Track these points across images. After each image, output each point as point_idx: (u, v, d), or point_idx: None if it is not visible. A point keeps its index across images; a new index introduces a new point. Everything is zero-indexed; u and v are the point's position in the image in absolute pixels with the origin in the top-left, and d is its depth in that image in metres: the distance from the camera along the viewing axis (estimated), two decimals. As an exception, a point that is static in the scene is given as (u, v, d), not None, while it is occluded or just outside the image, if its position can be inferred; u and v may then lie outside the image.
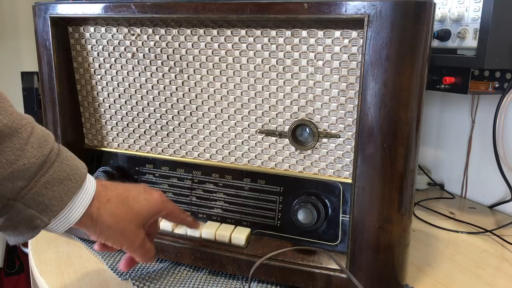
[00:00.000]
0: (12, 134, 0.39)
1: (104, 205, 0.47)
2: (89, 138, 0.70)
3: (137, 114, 0.65)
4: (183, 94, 0.61)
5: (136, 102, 0.64)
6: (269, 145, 0.59)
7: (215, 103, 0.60)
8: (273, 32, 0.54)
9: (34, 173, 0.40)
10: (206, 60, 0.58)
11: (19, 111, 0.41)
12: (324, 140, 0.56)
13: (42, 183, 0.41)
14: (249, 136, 0.59)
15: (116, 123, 0.67)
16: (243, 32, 0.55)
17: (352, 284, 0.53)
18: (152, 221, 0.54)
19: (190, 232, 0.62)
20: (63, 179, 0.43)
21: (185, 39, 0.59)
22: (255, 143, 0.59)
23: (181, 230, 0.62)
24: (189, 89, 0.61)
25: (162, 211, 0.54)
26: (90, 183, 0.46)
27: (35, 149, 0.41)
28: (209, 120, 0.61)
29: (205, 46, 0.58)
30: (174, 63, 0.60)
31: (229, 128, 0.60)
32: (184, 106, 0.62)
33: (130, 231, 0.49)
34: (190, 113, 0.62)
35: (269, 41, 0.55)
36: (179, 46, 0.59)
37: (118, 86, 0.65)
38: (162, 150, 0.65)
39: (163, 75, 0.61)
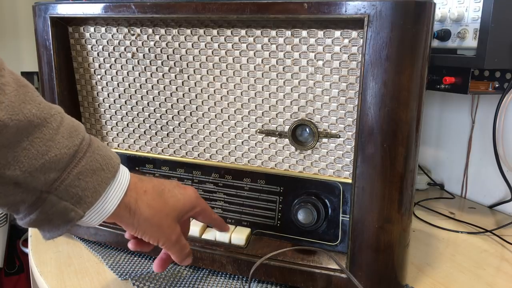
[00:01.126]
0: (42, 125, 0.38)
1: (141, 196, 0.46)
2: (89, 138, 0.70)
3: (137, 114, 0.65)
4: (183, 94, 0.61)
5: (136, 102, 0.64)
6: (269, 145, 0.59)
7: (215, 103, 0.60)
8: (273, 32, 0.54)
9: (66, 164, 0.39)
10: (206, 60, 0.58)
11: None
12: (324, 140, 0.56)
13: (74, 174, 0.40)
14: (249, 136, 0.59)
15: (116, 123, 0.67)
16: (243, 32, 0.55)
17: (352, 284, 0.53)
18: (185, 218, 0.53)
19: (190, 232, 0.62)
20: (96, 170, 0.41)
21: (185, 39, 0.59)
22: (255, 143, 0.59)
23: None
24: (189, 89, 0.61)
25: (196, 207, 0.53)
26: (124, 174, 0.45)
27: (66, 139, 0.39)
28: (209, 120, 0.61)
29: (205, 46, 0.58)
30: (174, 63, 0.60)
31: (229, 128, 0.60)
32: (184, 106, 0.62)
33: (167, 225, 0.48)
34: (190, 113, 0.62)
35: (269, 41, 0.55)
36: (179, 46, 0.59)
37: (118, 86, 0.65)
38: (162, 150, 0.65)
39: (163, 75, 0.61)
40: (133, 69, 0.63)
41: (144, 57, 0.62)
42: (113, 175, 0.43)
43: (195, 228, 0.62)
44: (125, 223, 0.46)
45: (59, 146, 0.39)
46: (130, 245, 0.53)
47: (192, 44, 0.58)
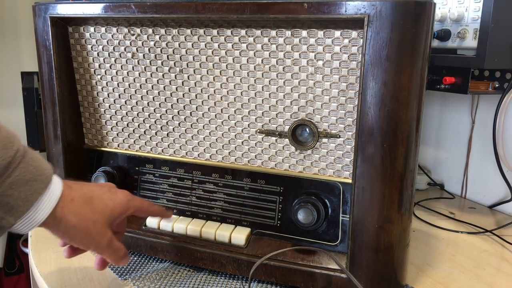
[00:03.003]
0: None
1: (68, 204, 0.46)
2: (89, 138, 0.70)
3: (137, 114, 0.65)
4: (183, 94, 0.61)
5: (136, 102, 0.64)
6: (269, 145, 0.59)
7: (215, 103, 0.60)
8: (273, 32, 0.54)
9: None
10: (206, 60, 0.58)
11: None
12: (324, 140, 0.56)
13: (7, 184, 0.41)
14: (249, 136, 0.59)
15: (116, 123, 0.67)
16: (243, 32, 0.55)
17: (352, 284, 0.53)
18: (118, 222, 0.53)
19: (190, 232, 0.62)
20: (29, 180, 0.42)
21: (185, 39, 0.59)
22: (255, 143, 0.59)
23: (181, 230, 0.63)
24: (189, 89, 0.61)
25: (128, 210, 0.53)
26: (56, 184, 0.46)
27: (0, 151, 0.40)
28: (209, 120, 0.61)
29: (205, 46, 0.58)
30: (174, 63, 0.60)
31: (229, 128, 0.60)
32: (184, 106, 0.62)
33: (95, 231, 0.49)
34: (190, 113, 0.62)
35: (269, 41, 0.55)
36: (179, 46, 0.59)
37: (118, 86, 0.65)
38: (162, 150, 0.65)
39: (163, 75, 0.61)
40: (133, 69, 0.63)
41: (144, 57, 0.62)
42: (45, 186, 0.44)
43: (195, 228, 0.62)
44: (52, 230, 0.47)
45: None
46: (65, 253, 0.54)
47: (192, 44, 0.58)
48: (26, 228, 0.44)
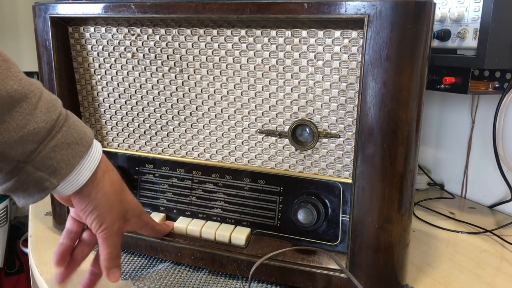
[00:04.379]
0: (22, 99, 0.40)
1: (109, 171, 0.48)
2: (89, 138, 0.70)
3: (137, 114, 0.65)
4: (183, 94, 0.61)
5: (136, 102, 0.64)
6: (269, 145, 0.59)
7: (215, 103, 0.60)
8: (273, 32, 0.54)
9: (43, 137, 0.41)
10: (206, 60, 0.58)
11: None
12: (324, 140, 0.56)
13: (51, 146, 0.42)
14: (249, 136, 0.59)
15: (116, 123, 0.67)
16: (243, 32, 0.55)
17: (352, 284, 0.53)
18: (129, 223, 0.53)
19: (190, 232, 0.62)
20: (71, 143, 0.43)
21: (185, 39, 0.59)
22: (255, 143, 0.59)
23: (181, 230, 0.63)
24: (189, 89, 0.61)
25: (140, 218, 0.54)
26: (97, 149, 0.47)
27: (44, 114, 0.41)
28: (209, 120, 0.61)
29: (205, 46, 0.58)
30: (174, 63, 0.60)
31: (229, 128, 0.60)
32: (184, 106, 0.62)
33: (117, 210, 0.49)
34: (190, 113, 0.62)
35: (269, 41, 0.55)
36: (179, 46, 0.59)
37: (118, 86, 0.65)
38: (162, 150, 0.65)
39: (163, 75, 0.61)
40: (133, 69, 0.63)
41: (144, 57, 0.62)
42: (86, 149, 0.45)
43: (195, 228, 0.62)
44: (84, 195, 0.47)
45: (37, 120, 0.41)
46: (57, 278, 0.52)
47: (192, 44, 0.58)
48: (68, 190, 0.45)
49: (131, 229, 0.55)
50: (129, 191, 0.52)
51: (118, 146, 0.68)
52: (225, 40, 0.56)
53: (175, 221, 0.64)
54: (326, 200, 0.57)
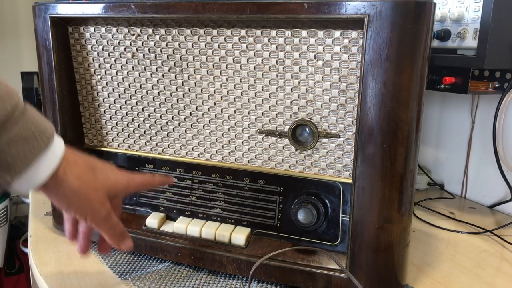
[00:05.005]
0: None
1: (71, 166, 0.45)
2: (89, 138, 0.70)
3: (137, 114, 0.65)
4: (183, 94, 0.61)
5: (136, 102, 0.64)
6: (269, 145, 0.59)
7: (215, 103, 0.60)
8: (273, 32, 0.54)
9: None
10: (206, 60, 0.58)
11: None
12: (324, 140, 0.56)
13: (5, 140, 0.39)
14: (249, 136, 0.59)
15: (116, 123, 0.67)
16: (243, 32, 0.55)
17: (352, 284, 0.53)
18: (117, 199, 0.51)
19: (190, 232, 0.62)
20: (28, 138, 0.41)
21: (185, 39, 0.59)
22: (255, 143, 0.59)
23: (181, 230, 0.63)
24: (189, 89, 0.61)
25: (129, 187, 0.52)
26: (59, 145, 0.44)
27: None
28: (209, 120, 0.61)
29: (205, 46, 0.58)
30: (174, 63, 0.60)
31: (229, 128, 0.60)
32: (184, 106, 0.62)
33: (96, 199, 0.46)
34: (190, 113, 0.62)
35: (269, 41, 0.55)
36: (179, 46, 0.59)
37: (118, 86, 0.65)
38: (162, 150, 0.65)
39: (163, 75, 0.61)
40: (133, 69, 0.63)
41: (144, 57, 0.62)
42: (46, 145, 0.42)
43: (195, 228, 0.62)
44: (51, 194, 0.45)
45: None
46: (79, 249, 0.53)
47: (192, 44, 0.58)
48: (25, 188, 0.42)
49: (125, 198, 0.53)
50: (104, 168, 0.49)
51: (118, 146, 0.68)
52: (225, 40, 0.56)
53: (175, 221, 0.64)
54: (326, 200, 0.57)
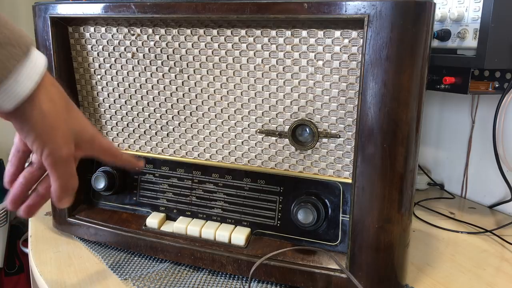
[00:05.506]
0: None
1: (47, 86, 0.41)
2: (89, 138, 0.70)
3: (137, 114, 0.65)
4: (183, 94, 0.61)
5: (136, 102, 0.64)
6: (269, 145, 0.59)
7: (215, 103, 0.60)
8: (273, 32, 0.54)
9: None
10: (206, 60, 0.58)
11: None
12: (324, 140, 0.56)
13: None
14: (249, 136, 0.59)
15: (116, 123, 0.67)
16: (243, 32, 0.55)
17: (352, 284, 0.53)
18: (82, 147, 0.46)
19: (190, 232, 0.62)
20: (3, 44, 0.37)
21: (185, 39, 0.59)
22: (255, 143, 0.59)
23: (181, 230, 0.63)
24: (189, 89, 0.61)
25: (94, 142, 0.47)
26: (40, 58, 0.41)
27: None
28: (209, 120, 0.61)
29: (205, 46, 0.58)
30: (174, 63, 0.60)
31: (229, 128, 0.60)
32: (184, 106, 0.62)
33: (62, 132, 0.42)
34: (190, 113, 0.62)
35: (269, 41, 0.55)
36: (179, 46, 0.59)
37: (118, 86, 0.65)
38: (162, 150, 0.65)
39: (163, 75, 0.61)
40: (133, 69, 0.63)
41: (144, 57, 0.62)
42: (24, 53, 0.39)
43: (195, 228, 0.62)
44: (19, 113, 0.40)
45: None
46: (23, 213, 0.46)
47: (192, 44, 0.58)
48: (7, 103, 0.39)
49: (86, 155, 0.48)
50: (78, 111, 0.45)
51: (118, 146, 0.68)
52: (225, 40, 0.56)
53: (175, 221, 0.64)
54: (326, 200, 0.57)
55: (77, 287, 0.58)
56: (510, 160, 0.82)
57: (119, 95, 0.65)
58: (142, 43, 0.61)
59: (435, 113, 1.02)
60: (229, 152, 0.61)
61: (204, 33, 0.57)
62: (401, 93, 0.49)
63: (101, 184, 0.66)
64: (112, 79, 0.65)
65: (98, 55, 0.64)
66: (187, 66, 0.60)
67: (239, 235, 0.60)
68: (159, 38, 0.60)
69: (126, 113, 0.66)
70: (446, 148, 1.01)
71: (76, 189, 0.46)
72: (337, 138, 0.55)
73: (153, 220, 0.64)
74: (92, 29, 0.63)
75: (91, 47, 0.64)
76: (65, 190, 0.44)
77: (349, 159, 0.55)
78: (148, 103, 0.64)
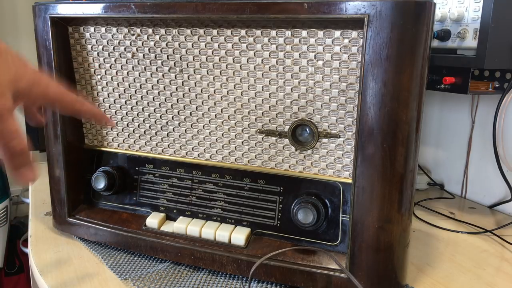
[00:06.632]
0: None
1: None
2: (89, 138, 0.70)
3: (137, 114, 0.65)
4: (183, 94, 0.61)
5: (136, 102, 0.64)
6: (269, 145, 0.59)
7: (215, 103, 0.60)
8: (273, 32, 0.54)
9: None
10: (206, 60, 0.58)
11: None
12: (324, 140, 0.56)
13: None
14: (249, 136, 0.59)
15: (116, 123, 0.67)
16: (243, 32, 0.55)
17: (352, 284, 0.53)
18: (24, 101, 0.40)
19: (190, 232, 0.62)
20: None
21: (185, 39, 0.59)
22: (255, 143, 0.59)
23: (181, 230, 0.63)
24: (189, 89, 0.61)
25: (33, 87, 0.41)
26: None
27: None
28: (209, 120, 0.61)
29: (205, 46, 0.58)
30: (174, 63, 0.60)
31: (229, 128, 0.60)
32: (184, 106, 0.62)
33: None
34: (190, 113, 0.62)
35: (269, 41, 0.55)
36: (179, 46, 0.59)
37: (118, 86, 0.65)
38: (162, 150, 0.65)
39: (163, 75, 0.61)
40: (133, 69, 0.63)
41: (144, 57, 0.62)
42: None
43: (195, 228, 0.62)
44: None
45: None
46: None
47: (192, 44, 0.58)
48: None
49: (35, 104, 0.42)
50: (6, 56, 0.38)
51: (118, 146, 0.68)
52: (225, 40, 0.56)
53: (175, 221, 0.64)
54: (326, 200, 0.57)
55: (77, 287, 0.58)
56: (510, 160, 0.82)
57: (119, 95, 0.65)
58: (142, 43, 0.61)
59: (435, 113, 1.02)
60: (229, 152, 0.61)
61: (204, 33, 0.57)
62: (401, 93, 0.49)
63: (101, 184, 0.66)
64: (112, 79, 0.65)
65: (98, 55, 0.64)
66: (187, 66, 0.60)
67: (239, 235, 0.60)
68: (159, 38, 0.60)
69: (126, 113, 0.66)
70: (446, 148, 1.01)
71: (27, 153, 0.38)
72: (337, 138, 0.55)
73: (153, 220, 0.64)
74: (92, 29, 0.63)
75: (91, 47, 0.64)
76: (12, 153, 0.37)
77: (349, 159, 0.55)
78: (148, 103, 0.64)
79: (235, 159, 0.61)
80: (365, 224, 0.52)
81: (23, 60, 0.40)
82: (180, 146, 0.64)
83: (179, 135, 0.63)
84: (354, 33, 0.50)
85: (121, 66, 0.63)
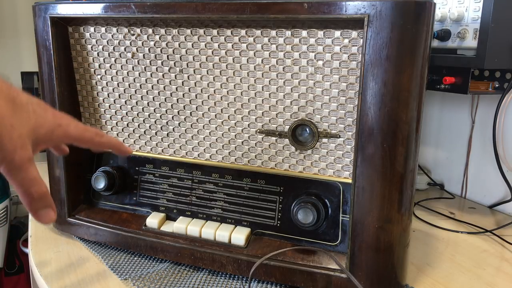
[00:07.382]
0: None
1: None
2: (89, 138, 0.70)
3: (137, 114, 0.65)
4: (183, 94, 0.61)
5: (136, 102, 0.64)
6: (269, 145, 0.59)
7: (215, 103, 0.60)
8: (273, 32, 0.54)
9: None
10: (206, 60, 0.58)
11: None
12: (324, 140, 0.56)
13: None
14: (249, 136, 0.59)
15: (116, 123, 0.67)
16: (243, 32, 0.55)
17: (352, 284, 0.53)
18: (45, 141, 0.42)
19: (190, 232, 0.62)
20: None
21: (185, 39, 0.59)
22: (255, 143, 0.59)
23: (181, 230, 0.63)
24: (189, 89, 0.61)
25: (56, 136, 0.42)
26: None
27: None
28: (209, 120, 0.61)
29: (205, 46, 0.58)
30: (174, 63, 0.60)
31: (229, 128, 0.60)
32: (184, 106, 0.62)
33: (9, 137, 0.36)
34: (190, 113, 0.62)
35: (269, 41, 0.55)
36: (179, 46, 0.59)
37: (118, 86, 0.65)
38: (162, 150, 0.65)
39: (163, 75, 0.61)
40: (133, 69, 0.63)
41: (144, 57, 0.62)
42: None
43: (195, 228, 0.62)
44: None
45: None
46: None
47: (192, 44, 0.58)
48: None
49: (55, 146, 0.44)
50: (27, 105, 0.39)
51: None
52: (225, 40, 0.56)
53: (175, 221, 0.64)
54: (326, 200, 0.57)
55: (77, 287, 0.58)
56: (510, 160, 0.82)
57: (119, 95, 0.65)
58: (142, 43, 0.61)
59: (435, 113, 1.02)
60: (229, 152, 0.61)
61: (204, 33, 0.57)
62: (401, 93, 0.49)
63: (101, 184, 0.66)
64: (112, 79, 0.65)
65: (98, 55, 0.64)
66: (187, 66, 0.60)
67: (239, 235, 0.60)
68: (159, 38, 0.60)
69: (126, 113, 0.66)
70: (446, 148, 1.01)
71: (47, 196, 0.40)
72: (337, 138, 0.55)
73: (153, 220, 0.64)
74: (92, 29, 0.63)
75: (91, 47, 0.64)
76: (31, 198, 0.39)
77: (349, 159, 0.55)
78: (148, 103, 0.64)
79: (235, 159, 0.61)
80: (365, 224, 0.52)
81: (43, 106, 0.42)
82: (180, 146, 0.64)
83: (179, 135, 0.63)
84: (354, 33, 0.50)
85: (121, 66, 0.63)
